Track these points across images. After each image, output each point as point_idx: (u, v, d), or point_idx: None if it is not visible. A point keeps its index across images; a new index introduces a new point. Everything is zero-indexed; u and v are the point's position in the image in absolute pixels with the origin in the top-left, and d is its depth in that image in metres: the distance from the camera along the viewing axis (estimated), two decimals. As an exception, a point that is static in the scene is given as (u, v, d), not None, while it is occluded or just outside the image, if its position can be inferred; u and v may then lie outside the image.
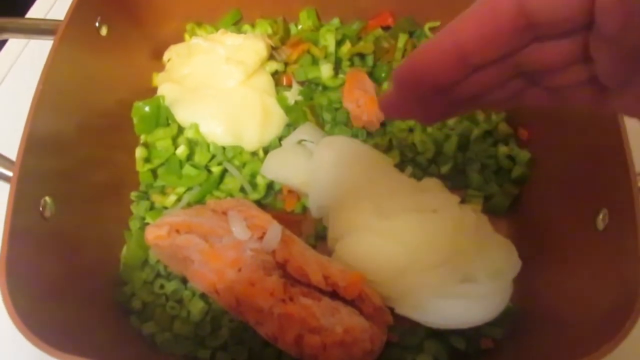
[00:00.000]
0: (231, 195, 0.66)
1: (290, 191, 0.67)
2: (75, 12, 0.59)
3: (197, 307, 0.58)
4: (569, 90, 0.27)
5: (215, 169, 0.67)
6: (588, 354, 0.41)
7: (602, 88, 0.25)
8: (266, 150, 0.70)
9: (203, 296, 0.59)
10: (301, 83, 0.75)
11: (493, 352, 0.56)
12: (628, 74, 0.23)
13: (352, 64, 0.76)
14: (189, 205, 0.65)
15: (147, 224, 0.64)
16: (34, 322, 0.43)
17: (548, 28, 0.24)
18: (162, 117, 0.70)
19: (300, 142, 0.68)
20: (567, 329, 0.49)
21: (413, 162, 0.68)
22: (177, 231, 0.54)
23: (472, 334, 0.56)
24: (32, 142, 0.50)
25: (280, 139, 0.71)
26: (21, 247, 0.46)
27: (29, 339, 0.42)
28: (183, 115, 0.70)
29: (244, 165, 0.68)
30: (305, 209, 0.67)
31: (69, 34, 0.58)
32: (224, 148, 0.69)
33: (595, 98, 0.27)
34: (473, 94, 0.28)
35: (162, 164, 0.68)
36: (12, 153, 0.50)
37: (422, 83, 0.28)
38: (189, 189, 0.66)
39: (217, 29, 0.80)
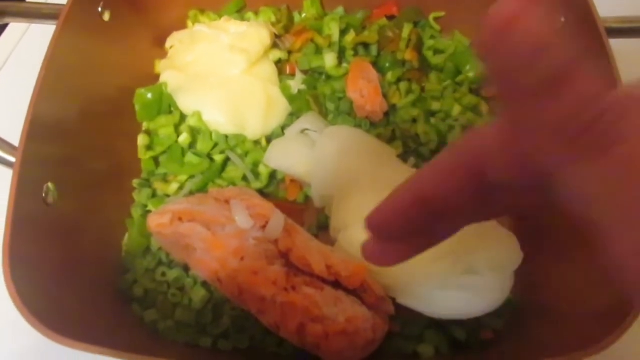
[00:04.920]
0: (234, 184, 0.66)
1: (292, 180, 0.67)
2: (78, -3, 0.58)
3: (199, 295, 0.58)
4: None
5: (218, 158, 0.67)
6: (588, 347, 0.41)
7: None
8: (269, 139, 0.70)
9: (205, 284, 0.59)
10: (305, 72, 0.75)
11: (493, 343, 0.57)
12: None
13: (356, 54, 0.75)
14: (191, 193, 0.65)
15: (149, 211, 0.64)
16: (37, 308, 0.43)
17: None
18: (165, 105, 0.70)
19: (303, 131, 0.67)
20: (567, 322, 0.50)
21: (416, 153, 0.68)
22: (180, 219, 0.54)
23: (472, 325, 0.56)
24: (35, 128, 0.50)
25: (283, 128, 0.70)
26: (24, 233, 0.46)
27: (31, 324, 0.42)
28: (185, 102, 0.69)
29: (246, 154, 0.68)
30: (307, 199, 0.67)
31: (71, 18, 0.57)
32: (226, 136, 0.68)
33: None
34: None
35: (164, 152, 0.68)
36: (15, 139, 0.50)
37: (393, 232, 0.29)
38: (192, 177, 0.66)
39: (220, 16, 0.79)
